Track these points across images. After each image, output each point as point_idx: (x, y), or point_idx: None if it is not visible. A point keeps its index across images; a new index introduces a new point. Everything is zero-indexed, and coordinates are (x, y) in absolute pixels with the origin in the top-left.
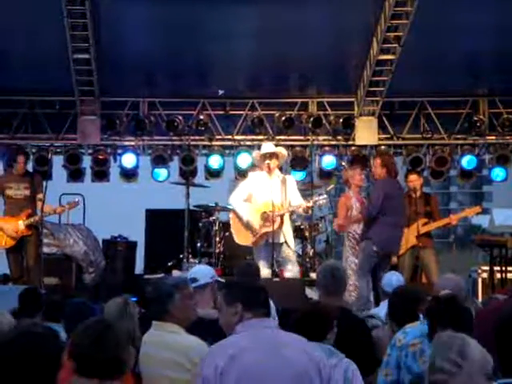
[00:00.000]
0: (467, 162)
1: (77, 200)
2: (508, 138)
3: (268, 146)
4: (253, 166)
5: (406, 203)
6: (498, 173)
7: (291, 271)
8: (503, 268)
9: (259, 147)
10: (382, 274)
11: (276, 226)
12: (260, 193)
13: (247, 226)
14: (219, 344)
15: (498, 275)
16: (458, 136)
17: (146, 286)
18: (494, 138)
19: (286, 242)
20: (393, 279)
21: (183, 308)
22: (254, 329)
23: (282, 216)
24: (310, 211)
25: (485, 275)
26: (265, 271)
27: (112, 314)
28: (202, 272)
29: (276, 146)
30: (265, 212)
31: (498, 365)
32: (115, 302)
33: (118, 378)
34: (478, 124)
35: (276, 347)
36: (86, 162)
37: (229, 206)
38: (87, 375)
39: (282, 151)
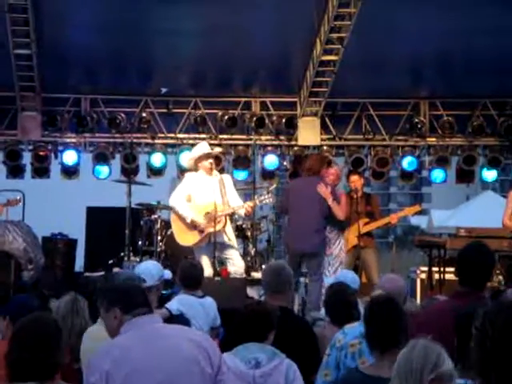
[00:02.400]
0: (408, 163)
1: (18, 198)
2: (448, 140)
3: (204, 146)
4: (185, 169)
5: (347, 202)
6: (438, 174)
7: (235, 272)
8: (441, 269)
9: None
10: (312, 275)
11: (221, 225)
12: (200, 193)
13: (191, 226)
14: (101, 349)
15: (437, 276)
16: (399, 137)
17: (87, 284)
18: (434, 139)
19: (229, 240)
20: (348, 277)
21: None
22: (136, 327)
23: (225, 216)
24: (251, 213)
25: (423, 276)
26: (207, 270)
27: (62, 311)
28: (149, 273)
29: (219, 145)
30: (208, 212)
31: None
32: (65, 300)
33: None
34: (419, 126)
35: (161, 340)
36: (26, 158)
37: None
38: (25, 380)
39: (218, 150)
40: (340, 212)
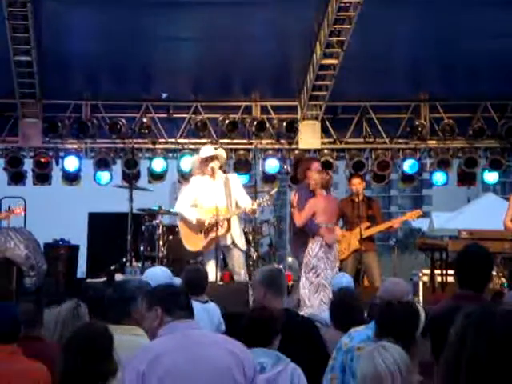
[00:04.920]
0: (409, 166)
1: (21, 208)
2: (449, 142)
3: (208, 150)
4: (191, 171)
5: (348, 207)
6: (439, 177)
7: (238, 274)
8: (443, 271)
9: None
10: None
11: (224, 230)
12: (205, 197)
13: (197, 227)
14: (141, 349)
15: (439, 278)
16: (400, 140)
17: (88, 290)
18: (434, 142)
19: (234, 243)
20: (343, 281)
21: None
22: (176, 331)
23: (228, 220)
24: (256, 213)
25: (426, 278)
26: (212, 274)
27: (63, 316)
28: (156, 277)
29: (216, 149)
30: (212, 217)
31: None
32: (66, 306)
33: None
34: (420, 128)
35: (197, 348)
36: (28, 165)
37: (173, 211)
38: None
39: (222, 152)
40: (296, 219)
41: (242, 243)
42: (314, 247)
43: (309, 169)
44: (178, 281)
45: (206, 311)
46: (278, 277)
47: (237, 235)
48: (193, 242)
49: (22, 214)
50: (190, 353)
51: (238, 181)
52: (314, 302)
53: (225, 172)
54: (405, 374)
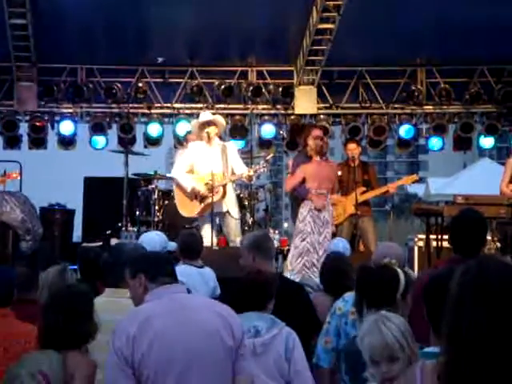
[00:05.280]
0: (405, 131)
1: (17, 172)
2: (445, 107)
3: (206, 115)
4: (189, 133)
5: (344, 172)
6: (435, 142)
7: (233, 241)
8: (439, 236)
9: (198, 116)
10: None
11: (219, 196)
12: (201, 163)
13: (192, 194)
14: (129, 314)
15: (434, 243)
16: (396, 105)
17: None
18: (431, 107)
19: (228, 211)
20: (339, 246)
21: None
22: (163, 296)
23: (224, 186)
24: (253, 179)
25: (421, 243)
26: (207, 240)
27: (50, 281)
28: (152, 241)
29: (214, 114)
30: (207, 183)
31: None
32: (53, 270)
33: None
34: (416, 93)
35: (186, 310)
36: (23, 128)
37: (169, 175)
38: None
39: (220, 119)
40: (286, 183)
41: (235, 211)
42: (302, 211)
43: (308, 136)
44: (173, 245)
45: (201, 275)
46: (265, 241)
47: (231, 203)
48: (188, 208)
49: (18, 178)
50: (179, 316)
51: (235, 149)
52: (295, 266)
53: (221, 139)
54: (410, 341)
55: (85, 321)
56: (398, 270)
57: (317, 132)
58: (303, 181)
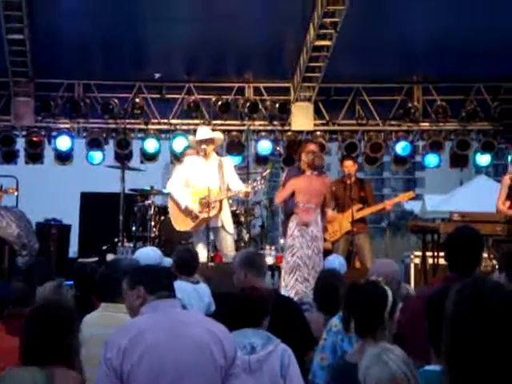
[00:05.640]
0: (401, 148)
1: (13, 188)
2: (441, 124)
3: (204, 132)
4: (188, 148)
5: (340, 189)
6: (432, 159)
7: (226, 256)
8: (435, 253)
9: (195, 131)
10: None
11: (215, 211)
12: (197, 178)
13: (186, 212)
14: (122, 327)
15: (431, 260)
16: (393, 122)
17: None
18: (427, 124)
19: (223, 226)
20: (335, 263)
21: None
22: (158, 309)
23: (220, 201)
24: (250, 195)
25: (417, 260)
26: (203, 255)
27: (47, 297)
28: (147, 257)
29: (212, 130)
30: (203, 198)
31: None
32: (50, 285)
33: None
34: (413, 111)
35: (179, 326)
36: (20, 144)
37: (165, 191)
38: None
39: (219, 136)
40: (276, 197)
41: (230, 226)
42: (291, 226)
43: (303, 151)
44: (168, 261)
45: (197, 291)
46: (257, 258)
47: (226, 218)
48: (182, 223)
49: (15, 193)
50: (171, 331)
51: (231, 164)
52: (288, 281)
53: (218, 154)
54: (414, 371)
55: (66, 334)
56: (386, 287)
57: (311, 147)
58: (293, 194)
